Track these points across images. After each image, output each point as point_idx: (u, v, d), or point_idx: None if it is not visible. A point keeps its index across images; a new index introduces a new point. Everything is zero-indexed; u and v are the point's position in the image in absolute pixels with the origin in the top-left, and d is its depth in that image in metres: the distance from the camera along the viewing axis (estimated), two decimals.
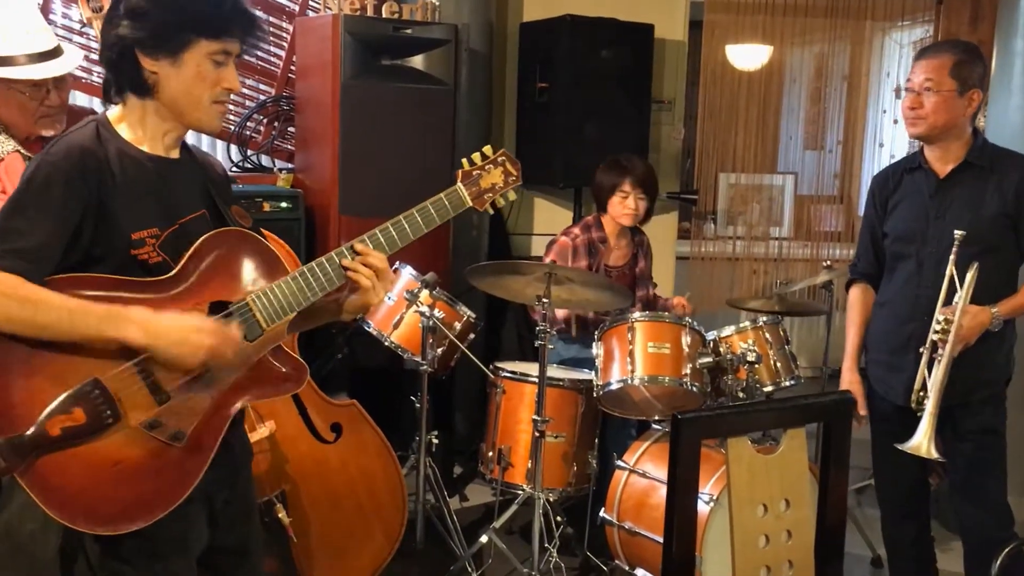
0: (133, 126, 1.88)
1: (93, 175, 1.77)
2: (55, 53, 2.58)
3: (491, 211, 2.18)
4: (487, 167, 2.14)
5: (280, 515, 2.77)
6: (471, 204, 2.11)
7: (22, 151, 2.57)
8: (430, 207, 2.05)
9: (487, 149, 2.17)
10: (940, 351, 2.71)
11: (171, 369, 1.80)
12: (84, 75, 4.01)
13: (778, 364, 3.53)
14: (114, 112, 1.90)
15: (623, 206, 3.82)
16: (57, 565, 2.48)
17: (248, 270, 1.91)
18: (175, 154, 1.94)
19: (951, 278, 2.73)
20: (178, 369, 1.80)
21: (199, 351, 1.78)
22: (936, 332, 2.73)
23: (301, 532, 2.85)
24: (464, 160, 2.15)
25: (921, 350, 2.77)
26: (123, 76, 1.86)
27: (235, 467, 2.03)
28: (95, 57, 3.09)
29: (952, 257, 2.72)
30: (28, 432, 1.68)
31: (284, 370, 1.97)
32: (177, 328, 1.77)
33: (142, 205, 1.83)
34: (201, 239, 1.87)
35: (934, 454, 2.67)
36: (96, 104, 4.02)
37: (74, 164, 1.76)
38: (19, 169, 2.52)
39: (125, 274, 1.81)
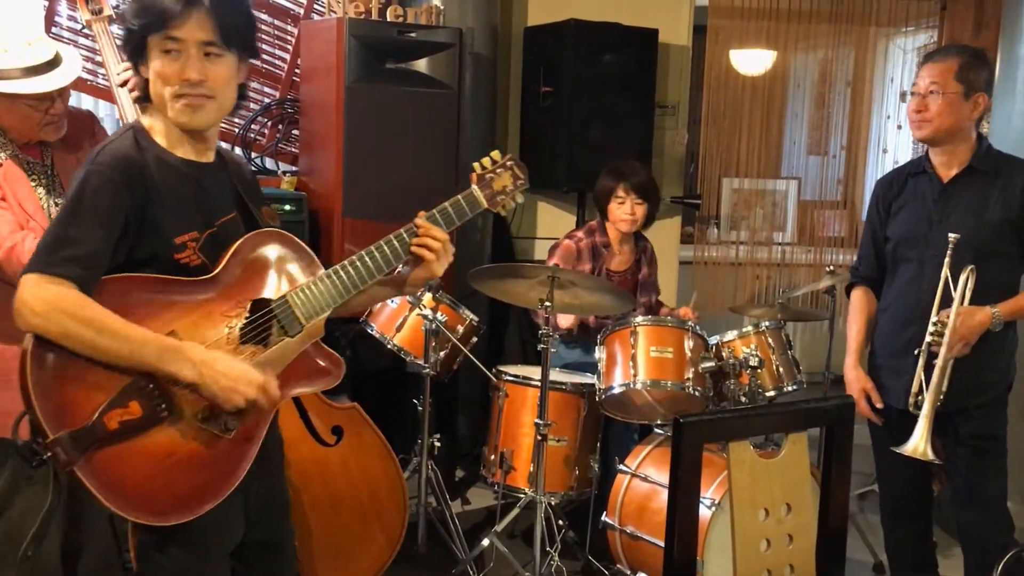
0: (162, 133, 1.94)
1: (138, 184, 1.83)
2: (54, 63, 2.56)
3: (503, 212, 2.26)
4: (497, 170, 2.23)
5: None
6: (487, 206, 2.20)
7: (19, 155, 2.57)
8: (449, 208, 2.15)
9: (495, 154, 2.26)
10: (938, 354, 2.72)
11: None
12: (90, 77, 4.02)
13: (780, 369, 3.53)
14: (147, 120, 1.95)
15: (620, 211, 3.82)
16: (60, 566, 2.48)
17: (286, 268, 2.00)
18: (209, 157, 1.99)
19: (946, 281, 2.73)
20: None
21: (241, 400, 1.86)
22: (931, 335, 2.73)
23: (302, 535, 2.85)
24: (476, 164, 2.23)
25: (916, 352, 2.77)
26: (143, 85, 1.93)
27: (267, 459, 2.05)
28: (100, 59, 3.10)
29: (947, 260, 2.73)
30: (87, 425, 1.72)
31: (323, 364, 2.06)
32: (226, 375, 1.83)
33: (183, 211, 1.90)
34: (241, 239, 1.95)
35: (930, 456, 2.67)
36: (100, 106, 4.03)
37: (120, 173, 1.82)
38: (18, 175, 2.53)
39: (167, 275, 1.86)
